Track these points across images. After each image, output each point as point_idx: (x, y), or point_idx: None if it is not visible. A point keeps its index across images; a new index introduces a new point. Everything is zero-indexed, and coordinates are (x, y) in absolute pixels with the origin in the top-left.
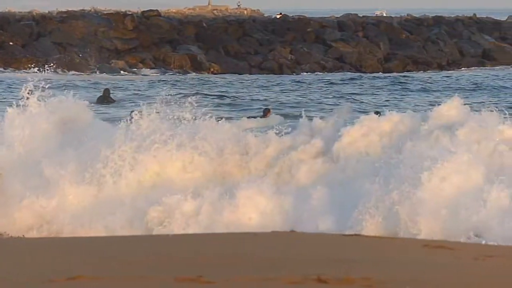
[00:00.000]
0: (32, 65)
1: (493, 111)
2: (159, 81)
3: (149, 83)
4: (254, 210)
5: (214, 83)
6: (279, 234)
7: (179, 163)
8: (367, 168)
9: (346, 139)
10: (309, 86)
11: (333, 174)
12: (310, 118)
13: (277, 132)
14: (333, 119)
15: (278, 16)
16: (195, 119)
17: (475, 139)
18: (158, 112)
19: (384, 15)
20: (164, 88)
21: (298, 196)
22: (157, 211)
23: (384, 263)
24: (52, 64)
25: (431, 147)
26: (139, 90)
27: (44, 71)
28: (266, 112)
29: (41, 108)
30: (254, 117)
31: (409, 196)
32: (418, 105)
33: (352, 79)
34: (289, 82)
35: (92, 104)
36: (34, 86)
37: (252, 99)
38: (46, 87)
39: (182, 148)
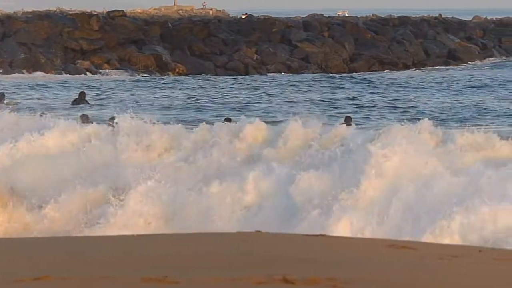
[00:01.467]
0: None
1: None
2: (128, 82)
3: (118, 84)
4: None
5: (183, 84)
6: (244, 234)
7: None
8: None
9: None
10: (279, 87)
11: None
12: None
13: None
14: None
15: (243, 16)
16: None
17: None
18: None
19: (346, 15)
20: (139, 88)
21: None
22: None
23: (349, 263)
24: None
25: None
26: (112, 92)
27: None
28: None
29: None
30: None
31: None
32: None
33: (317, 80)
34: (258, 83)
35: (69, 106)
36: None
37: (222, 102)
38: None
39: None
